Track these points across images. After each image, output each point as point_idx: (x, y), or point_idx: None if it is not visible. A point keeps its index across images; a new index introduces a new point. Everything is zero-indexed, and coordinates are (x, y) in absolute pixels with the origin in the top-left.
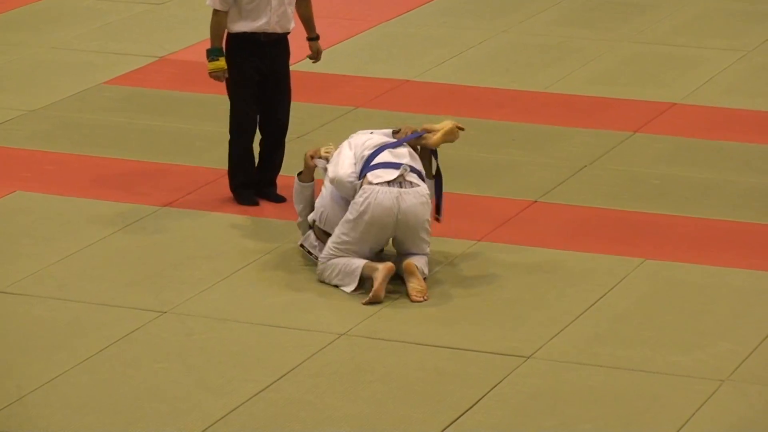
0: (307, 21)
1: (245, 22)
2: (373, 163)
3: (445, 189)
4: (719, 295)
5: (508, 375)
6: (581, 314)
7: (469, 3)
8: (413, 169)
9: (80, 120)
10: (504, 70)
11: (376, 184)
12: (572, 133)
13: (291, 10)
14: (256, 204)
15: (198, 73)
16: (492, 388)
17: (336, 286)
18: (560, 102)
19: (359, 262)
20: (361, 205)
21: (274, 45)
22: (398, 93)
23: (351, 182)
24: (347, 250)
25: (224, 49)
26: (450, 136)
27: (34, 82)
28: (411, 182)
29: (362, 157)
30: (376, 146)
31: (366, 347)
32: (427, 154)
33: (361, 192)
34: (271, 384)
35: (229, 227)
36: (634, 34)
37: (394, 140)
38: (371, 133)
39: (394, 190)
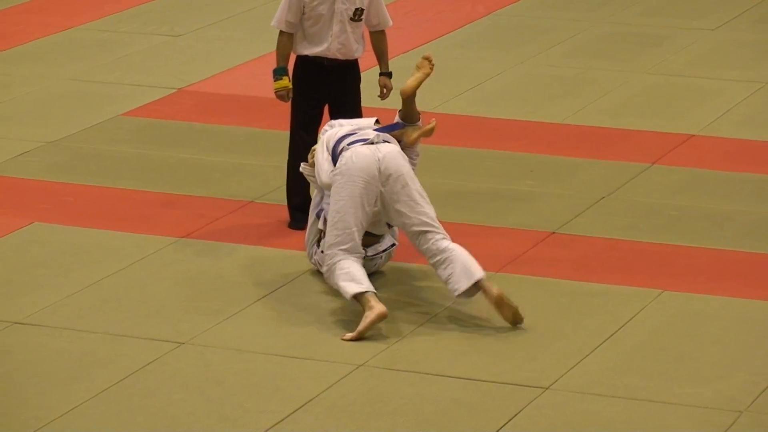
0: (379, 55)
1: (308, 46)
2: (345, 142)
3: (462, 219)
4: (737, 327)
5: (525, 406)
6: (599, 345)
7: (485, 35)
8: (385, 138)
9: (98, 151)
10: (521, 101)
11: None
12: (589, 165)
13: (355, 38)
14: (303, 230)
15: (216, 105)
16: (509, 420)
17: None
18: (577, 133)
19: (363, 286)
20: (341, 164)
21: (339, 70)
22: None
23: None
24: (343, 222)
25: (293, 70)
26: (427, 135)
27: (52, 114)
28: (384, 140)
29: (332, 147)
30: (343, 135)
31: (383, 378)
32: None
33: (339, 158)
34: (288, 415)
35: (247, 258)
36: (651, 65)
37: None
38: (342, 126)
39: (370, 146)
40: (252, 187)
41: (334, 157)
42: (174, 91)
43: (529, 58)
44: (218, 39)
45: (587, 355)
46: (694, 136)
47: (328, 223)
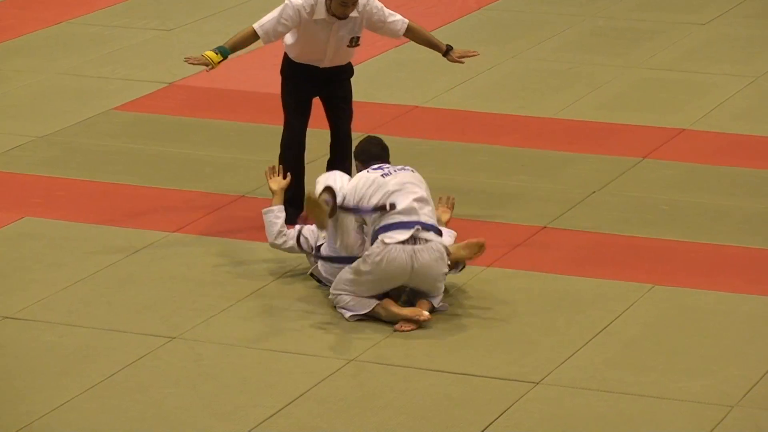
0: (428, 44)
1: (302, 56)
2: (385, 223)
3: (453, 214)
4: (729, 321)
5: (517, 401)
6: (591, 340)
7: (477, 29)
8: (426, 226)
9: (89, 146)
10: (513, 96)
11: (390, 244)
12: (581, 159)
13: (351, 54)
14: (294, 224)
15: (207, 99)
16: (501, 414)
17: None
18: (569, 128)
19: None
20: (373, 261)
21: (332, 68)
22: (407, 119)
23: (359, 247)
24: (357, 291)
25: (282, 63)
26: (469, 252)
27: (43, 108)
28: (425, 239)
29: (366, 203)
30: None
31: (375, 373)
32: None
33: (375, 248)
34: (280, 410)
35: (239, 253)
36: (643, 60)
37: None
38: (383, 174)
39: (408, 248)
40: (243, 182)
41: (362, 202)
42: (166, 85)
43: (520, 53)
44: (210, 33)
45: (578, 350)
46: (685, 130)
47: (345, 279)
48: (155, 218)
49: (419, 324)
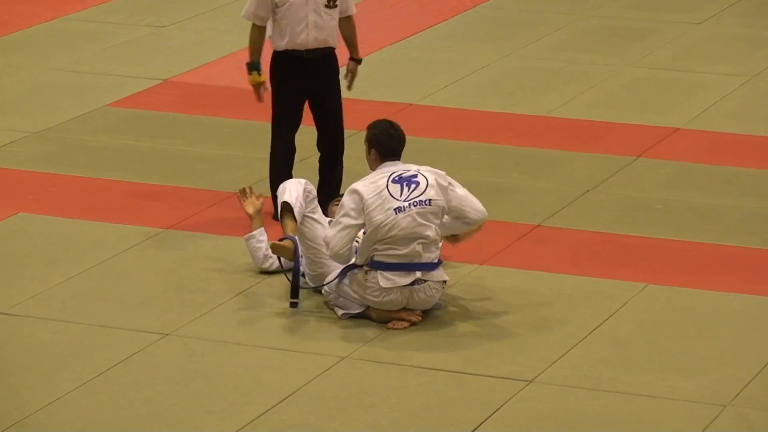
0: (348, 41)
1: (285, 39)
2: (384, 260)
3: None
4: (722, 320)
5: (509, 399)
6: (583, 338)
7: (472, 27)
8: (426, 267)
9: (84, 142)
10: (507, 94)
11: (388, 288)
12: (575, 158)
13: (333, 24)
14: None
15: (202, 96)
16: (494, 412)
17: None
18: (563, 126)
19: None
20: (371, 294)
21: (319, 61)
22: (401, 117)
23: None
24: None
25: (270, 66)
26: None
27: (37, 104)
28: (424, 280)
29: (369, 226)
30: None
31: (368, 371)
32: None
33: (373, 283)
34: (272, 407)
35: (232, 249)
36: (637, 59)
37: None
38: (397, 209)
39: (406, 290)
40: (237, 179)
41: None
42: (160, 82)
43: (514, 51)
44: (204, 30)
45: (571, 348)
46: (679, 129)
47: (341, 292)
48: (149, 214)
49: (412, 322)
